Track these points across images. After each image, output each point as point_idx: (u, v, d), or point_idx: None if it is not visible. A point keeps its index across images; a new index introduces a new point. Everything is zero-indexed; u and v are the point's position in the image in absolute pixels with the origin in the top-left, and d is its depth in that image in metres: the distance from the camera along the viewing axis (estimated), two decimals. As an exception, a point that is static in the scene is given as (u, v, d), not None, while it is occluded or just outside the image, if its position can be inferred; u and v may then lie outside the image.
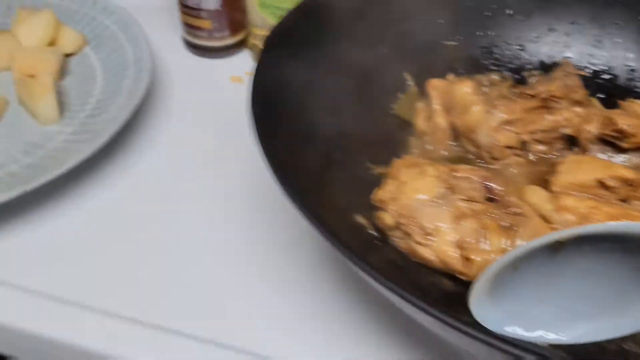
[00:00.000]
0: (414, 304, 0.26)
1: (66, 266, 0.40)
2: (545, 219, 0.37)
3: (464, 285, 0.34)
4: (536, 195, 0.38)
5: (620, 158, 0.42)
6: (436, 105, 0.45)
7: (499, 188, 0.38)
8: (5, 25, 0.54)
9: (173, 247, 0.42)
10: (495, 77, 0.48)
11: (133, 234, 0.43)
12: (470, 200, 0.37)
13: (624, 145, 0.41)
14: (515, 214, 0.37)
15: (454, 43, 0.49)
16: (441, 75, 0.47)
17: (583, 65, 0.48)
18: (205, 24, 0.54)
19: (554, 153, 0.44)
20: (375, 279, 0.27)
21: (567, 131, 0.44)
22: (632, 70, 0.47)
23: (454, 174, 0.39)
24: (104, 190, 0.45)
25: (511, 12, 0.49)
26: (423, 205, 0.37)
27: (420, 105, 0.46)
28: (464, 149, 0.44)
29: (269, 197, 0.45)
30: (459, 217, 0.37)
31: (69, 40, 0.53)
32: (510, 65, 0.49)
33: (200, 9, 0.53)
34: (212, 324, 0.38)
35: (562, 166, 0.40)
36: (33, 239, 0.42)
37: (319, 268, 0.42)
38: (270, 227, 0.44)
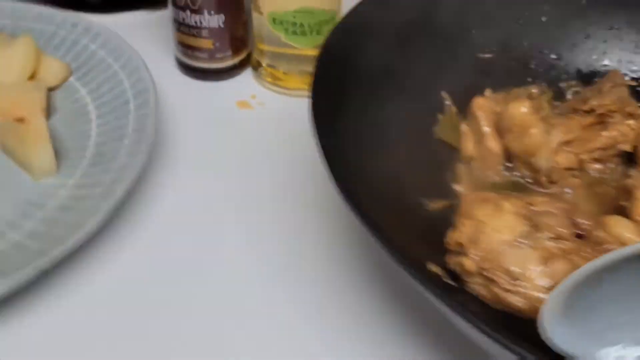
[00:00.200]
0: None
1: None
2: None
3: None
4: (621, 227, 0.35)
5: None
6: (486, 128, 0.41)
7: (586, 222, 0.34)
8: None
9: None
10: (534, 90, 0.45)
11: (147, 321, 0.34)
12: (557, 238, 0.34)
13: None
14: (607, 250, 0.34)
15: (488, 55, 0.46)
16: (478, 90, 0.44)
17: (622, 72, 0.46)
18: (206, 43, 0.48)
19: (610, 171, 0.41)
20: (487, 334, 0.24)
21: (624, 147, 0.41)
22: (677, 76, 0.45)
23: (532, 207, 0.35)
24: (108, 263, 0.37)
25: (545, 19, 0.46)
26: (507, 247, 0.34)
27: (464, 127, 0.42)
28: (518, 173, 0.41)
29: (309, 247, 0.40)
30: (548, 258, 0.33)
31: (51, 70, 0.45)
32: (546, 77, 0.46)
33: (200, 28, 0.47)
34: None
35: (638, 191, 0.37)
36: (24, 333, 0.33)
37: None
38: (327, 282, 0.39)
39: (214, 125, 0.48)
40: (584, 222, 0.35)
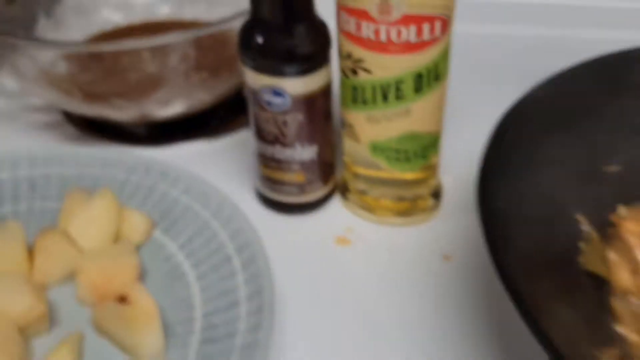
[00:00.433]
0: None
1: None
2: None
3: None
4: None
5: None
6: (640, 256, 0.37)
7: None
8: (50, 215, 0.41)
9: None
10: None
11: None
12: None
13: None
14: None
15: (615, 168, 0.42)
16: (610, 208, 0.40)
17: None
18: (297, 177, 0.44)
19: None
20: None
21: None
22: None
23: None
24: None
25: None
26: None
27: (612, 256, 0.38)
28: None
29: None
30: None
31: (134, 226, 0.40)
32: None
33: (291, 162, 0.43)
34: None
35: None
36: None
37: None
38: None
39: (314, 266, 0.43)
40: None
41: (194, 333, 0.35)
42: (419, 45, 0.35)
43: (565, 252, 0.38)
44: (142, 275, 0.39)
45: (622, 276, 0.37)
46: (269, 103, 0.40)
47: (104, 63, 0.47)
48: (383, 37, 0.36)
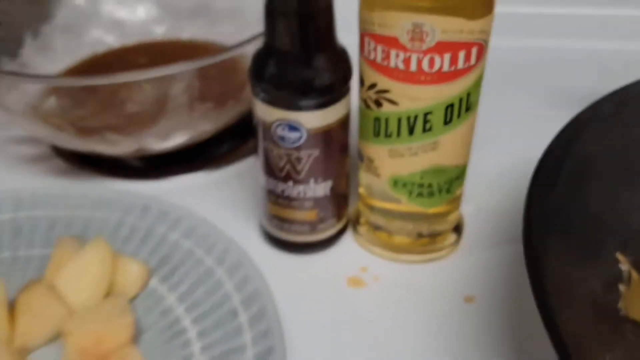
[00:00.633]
0: None
1: None
2: None
3: None
4: None
5: None
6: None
7: None
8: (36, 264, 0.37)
9: None
10: None
11: None
12: None
13: None
14: None
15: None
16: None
17: None
18: (310, 215, 0.40)
19: None
20: None
21: None
22: None
23: None
24: None
25: None
26: None
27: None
28: None
29: None
30: None
31: (128, 275, 0.36)
32: None
33: (304, 199, 0.39)
34: None
35: None
36: None
37: None
38: None
39: (321, 308, 0.38)
40: None
41: (197, 403, 0.31)
42: (452, 75, 0.31)
43: (603, 297, 0.34)
44: (136, 334, 0.34)
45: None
46: (282, 138, 0.36)
47: (99, 95, 0.42)
48: (414, 66, 0.31)
